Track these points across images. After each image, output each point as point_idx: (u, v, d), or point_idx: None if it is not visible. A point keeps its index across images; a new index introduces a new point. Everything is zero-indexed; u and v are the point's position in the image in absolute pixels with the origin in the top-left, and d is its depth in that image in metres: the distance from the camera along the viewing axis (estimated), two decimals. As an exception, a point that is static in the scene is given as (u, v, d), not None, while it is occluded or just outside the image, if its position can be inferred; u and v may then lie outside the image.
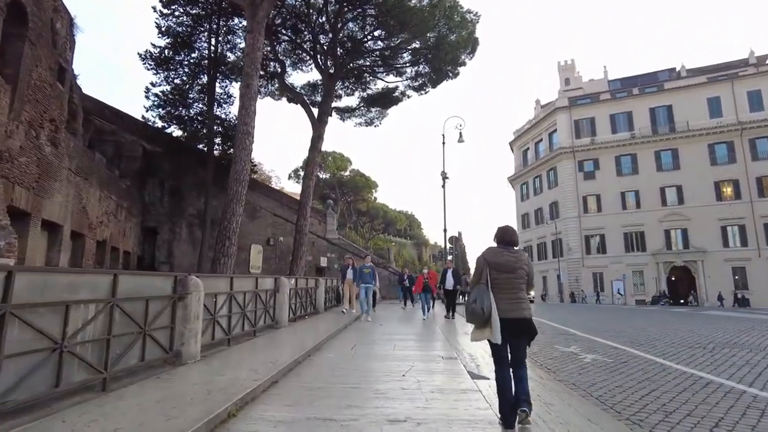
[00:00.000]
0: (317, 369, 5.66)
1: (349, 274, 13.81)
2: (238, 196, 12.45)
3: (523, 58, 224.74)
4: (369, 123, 27.38)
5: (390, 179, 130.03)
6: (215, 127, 21.48)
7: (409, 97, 24.94)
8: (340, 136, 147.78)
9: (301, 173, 60.98)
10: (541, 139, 49.30)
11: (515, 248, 3.82)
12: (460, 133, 21.87)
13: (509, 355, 3.60)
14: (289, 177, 57.83)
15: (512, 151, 56.88)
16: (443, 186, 21.50)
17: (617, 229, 40.98)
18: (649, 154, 40.85)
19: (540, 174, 48.89)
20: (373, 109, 26.92)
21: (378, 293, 14.72)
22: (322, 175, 64.88)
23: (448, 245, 21.07)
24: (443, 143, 22.05)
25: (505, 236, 3.84)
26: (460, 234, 21.05)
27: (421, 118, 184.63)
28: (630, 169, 41.54)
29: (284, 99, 26.38)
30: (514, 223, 56.45)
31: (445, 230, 21.21)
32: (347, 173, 65.37)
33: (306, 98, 24.01)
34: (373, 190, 67.08)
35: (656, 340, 9.84)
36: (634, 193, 40.97)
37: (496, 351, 3.61)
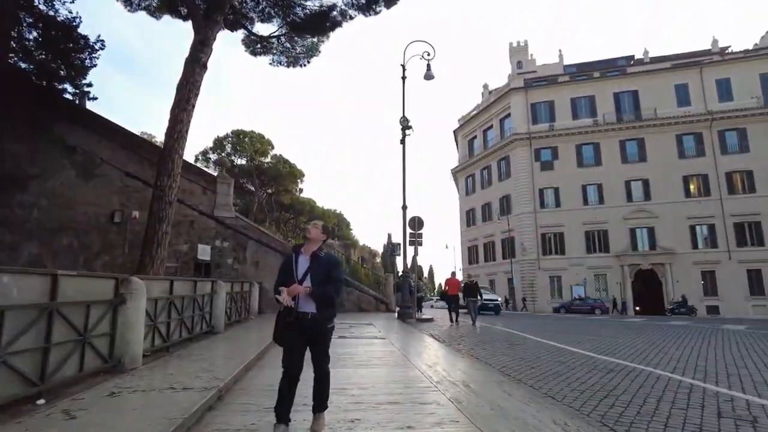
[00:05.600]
0: None
1: None
2: None
3: (468, 42, 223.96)
4: (293, 62, 19.29)
5: (318, 171, 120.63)
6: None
7: (351, 18, 17.18)
8: (258, 116, 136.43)
9: (211, 155, 51.06)
10: (492, 126, 43.71)
11: None
12: (428, 65, 14.61)
13: None
14: (197, 160, 47.51)
15: (456, 141, 51.07)
16: (402, 141, 14.08)
17: (578, 227, 36.02)
18: (613, 143, 36.42)
19: (489, 164, 43.19)
20: (298, 42, 18.96)
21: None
22: (238, 161, 55.11)
23: (409, 231, 13.64)
24: (403, 78, 14.67)
25: None
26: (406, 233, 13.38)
27: (356, 115, 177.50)
28: (592, 160, 36.86)
29: (166, 15, 17.72)
30: (456, 221, 50.72)
31: (404, 207, 13.76)
32: (268, 159, 56.03)
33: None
34: (299, 181, 58.17)
35: None
36: (597, 186, 36.33)
37: None
